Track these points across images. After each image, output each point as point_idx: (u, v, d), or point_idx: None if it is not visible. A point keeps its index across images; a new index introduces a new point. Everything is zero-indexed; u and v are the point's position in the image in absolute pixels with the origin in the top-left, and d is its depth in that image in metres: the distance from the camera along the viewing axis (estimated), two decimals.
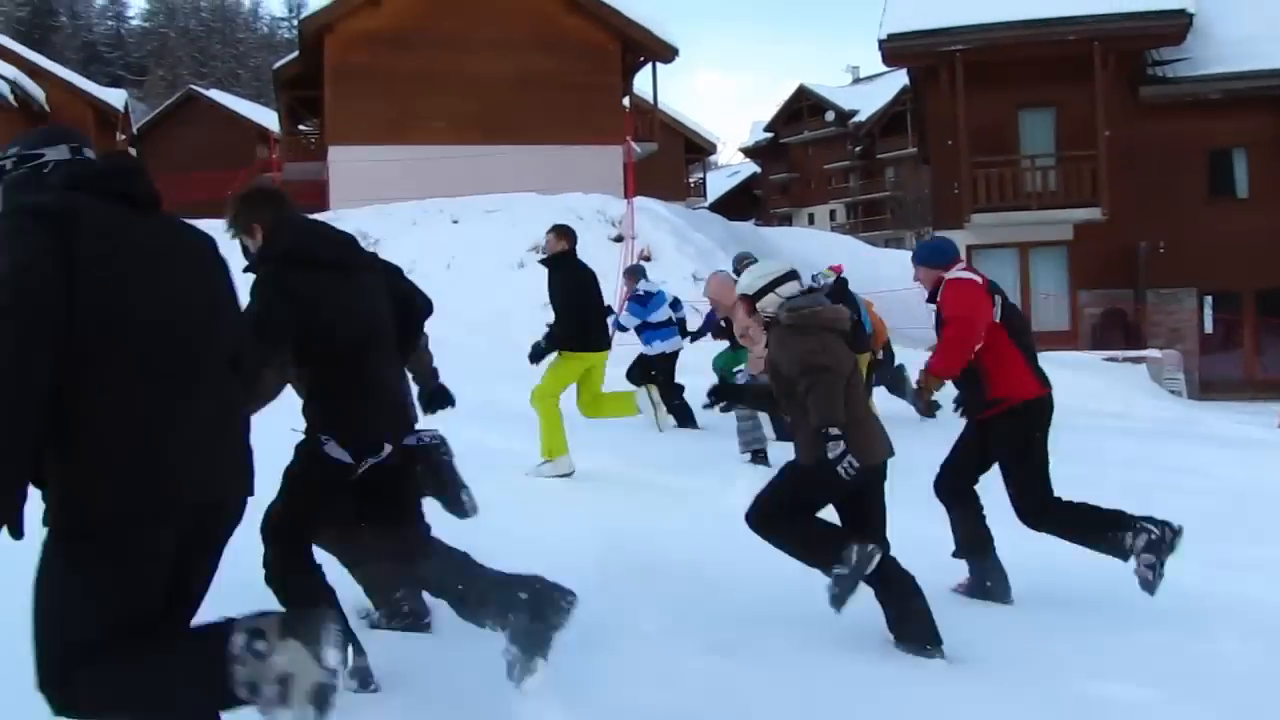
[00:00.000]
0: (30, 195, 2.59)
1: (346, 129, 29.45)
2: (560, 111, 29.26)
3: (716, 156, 65.94)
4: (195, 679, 2.49)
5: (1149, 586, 4.84)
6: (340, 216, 22.94)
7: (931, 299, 5.49)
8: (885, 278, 20.78)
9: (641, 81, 34.98)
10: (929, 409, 5.50)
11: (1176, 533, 4.87)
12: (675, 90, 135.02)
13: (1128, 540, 4.89)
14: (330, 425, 3.68)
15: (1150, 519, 4.92)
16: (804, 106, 75.60)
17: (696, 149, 52.54)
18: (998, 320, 5.22)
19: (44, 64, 56.45)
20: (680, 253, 20.45)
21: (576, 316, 7.90)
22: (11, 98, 47.47)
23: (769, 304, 4.77)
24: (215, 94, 63.66)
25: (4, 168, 2.78)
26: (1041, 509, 5.15)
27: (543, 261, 8.38)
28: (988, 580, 5.25)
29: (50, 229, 2.40)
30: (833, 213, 74.23)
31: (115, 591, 2.47)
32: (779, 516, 4.57)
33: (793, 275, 4.84)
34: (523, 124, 28.94)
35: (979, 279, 5.35)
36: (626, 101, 33.12)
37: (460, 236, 21.23)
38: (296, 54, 34.65)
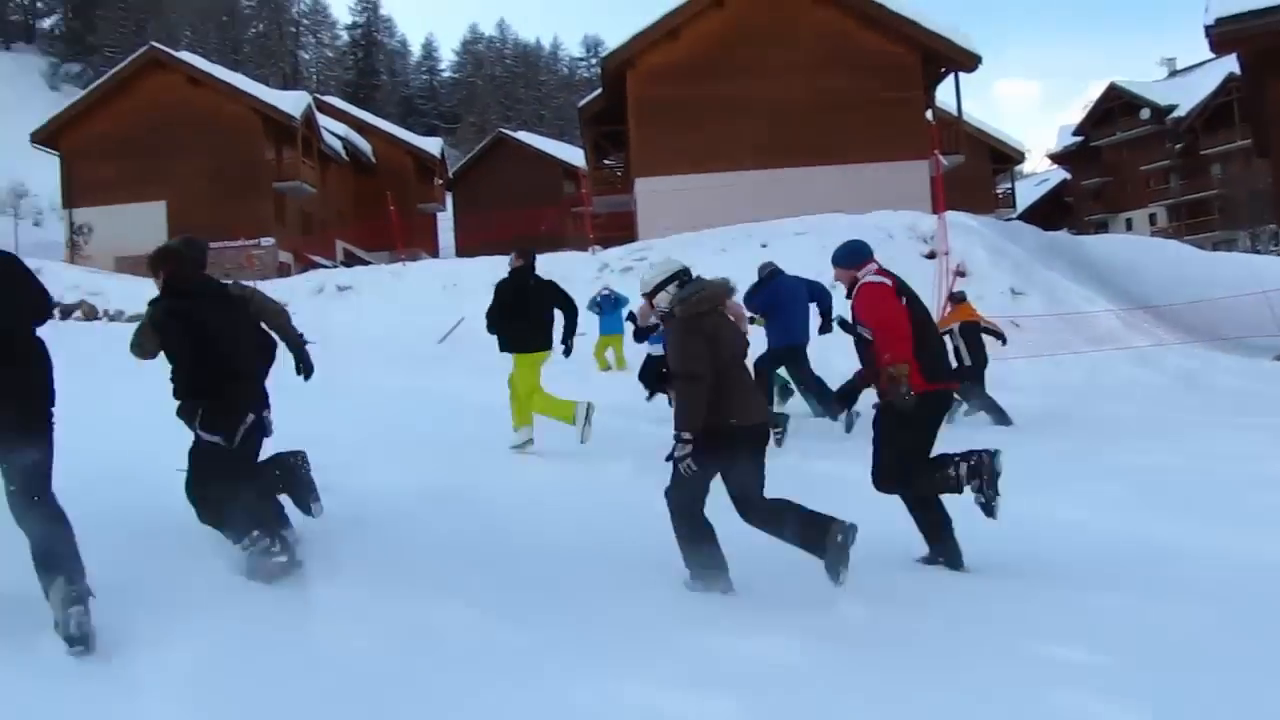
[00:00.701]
0: None
1: (651, 160, 30.67)
2: (862, 129, 29.44)
3: (1023, 165, 63.67)
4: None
5: (987, 509, 5.60)
6: (649, 246, 23.97)
7: (848, 296, 6.10)
8: (1223, 281, 19.69)
9: (942, 92, 34.64)
10: (907, 395, 5.59)
11: (994, 455, 5.58)
12: (976, 99, 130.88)
13: (952, 472, 5.63)
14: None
15: (970, 451, 5.64)
16: (1115, 106, 71.69)
17: (1003, 158, 51.19)
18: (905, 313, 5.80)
19: (369, 119, 62.00)
20: (995, 266, 20.12)
21: (518, 324, 9.34)
22: (343, 152, 52.48)
23: (661, 300, 5.45)
24: (523, 135, 67.40)
25: None
26: (886, 481, 5.82)
27: (509, 273, 9.64)
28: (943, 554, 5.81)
29: None
30: (1152, 216, 69.77)
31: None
32: (681, 499, 5.28)
33: (683, 274, 5.48)
34: (824, 144, 29.29)
35: (889, 281, 5.92)
36: (929, 114, 32.80)
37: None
38: (599, 91, 36.43)
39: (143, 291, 20.04)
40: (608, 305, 15.89)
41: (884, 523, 5.66)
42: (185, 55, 46.72)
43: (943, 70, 32.56)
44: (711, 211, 26.44)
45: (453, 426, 10.74)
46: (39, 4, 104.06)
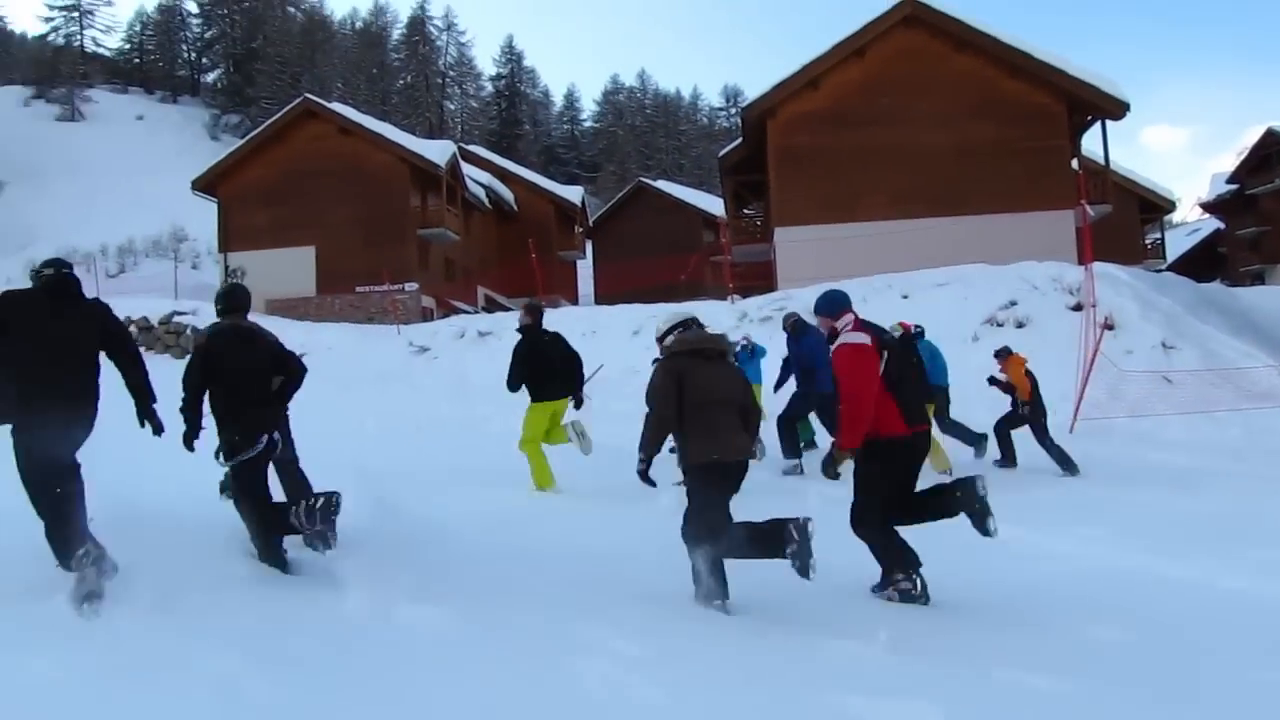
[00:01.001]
0: None
1: (791, 210, 30.78)
2: (1006, 179, 29.14)
3: (1173, 214, 61.65)
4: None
5: (983, 530, 6.04)
6: (788, 296, 23.99)
7: (830, 341, 6.65)
8: None
9: (1088, 140, 33.97)
10: (833, 475, 6.32)
11: (926, 592, 6.02)
12: (1124, 146, 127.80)
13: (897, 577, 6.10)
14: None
15: (923, 582, 6.08)
16: (1273, 152, 68.76)
17: (1152, 208, 49.72)
18: (884, 372, 6.19)
19: (512, 168, 63.40)
20: (1145, 319, 19.58)
21: (536, 376, 10.46)
22: (486, 200, 53.78)
23: (668, 343, 6.38)
24: (662, 184, 68.08)
25: None
26: (861, 522, 6.26)
27: (517, 330, 10.85)
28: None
29: None
30: None
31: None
32: (691, 524, 5.94)
33: (689, 323, 6.44)
34: (967, 194, 29.04)
35: (868, 340, 6.27)
36: (1075, 163, 32.24)
37: (911, 311, 21.41)
38: (739, 141, 36.74)
39: (291, 334, 20.98)
40: (745, 355, 16.05)
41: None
42: (337, 106, 48.54)
43: (1089, 118, 31.96)
44: (851, 261, 26.39)
45: (585, 471, 10.97)
46: (204, 60, 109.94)
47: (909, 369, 6.54)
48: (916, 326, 12.70)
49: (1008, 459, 12.60)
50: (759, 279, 32.35)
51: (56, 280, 5.95)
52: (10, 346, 5.54)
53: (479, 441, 13.83)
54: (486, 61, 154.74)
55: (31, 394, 5.48)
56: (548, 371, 10.52)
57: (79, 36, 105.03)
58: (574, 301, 55.75)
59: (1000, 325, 19.99)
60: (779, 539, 5.61)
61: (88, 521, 5.51)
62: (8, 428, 5.53)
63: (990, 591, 6.55)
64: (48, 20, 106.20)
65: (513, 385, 10.51)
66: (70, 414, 5.64)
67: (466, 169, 50.42)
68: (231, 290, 7.33)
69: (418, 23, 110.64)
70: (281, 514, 6.35)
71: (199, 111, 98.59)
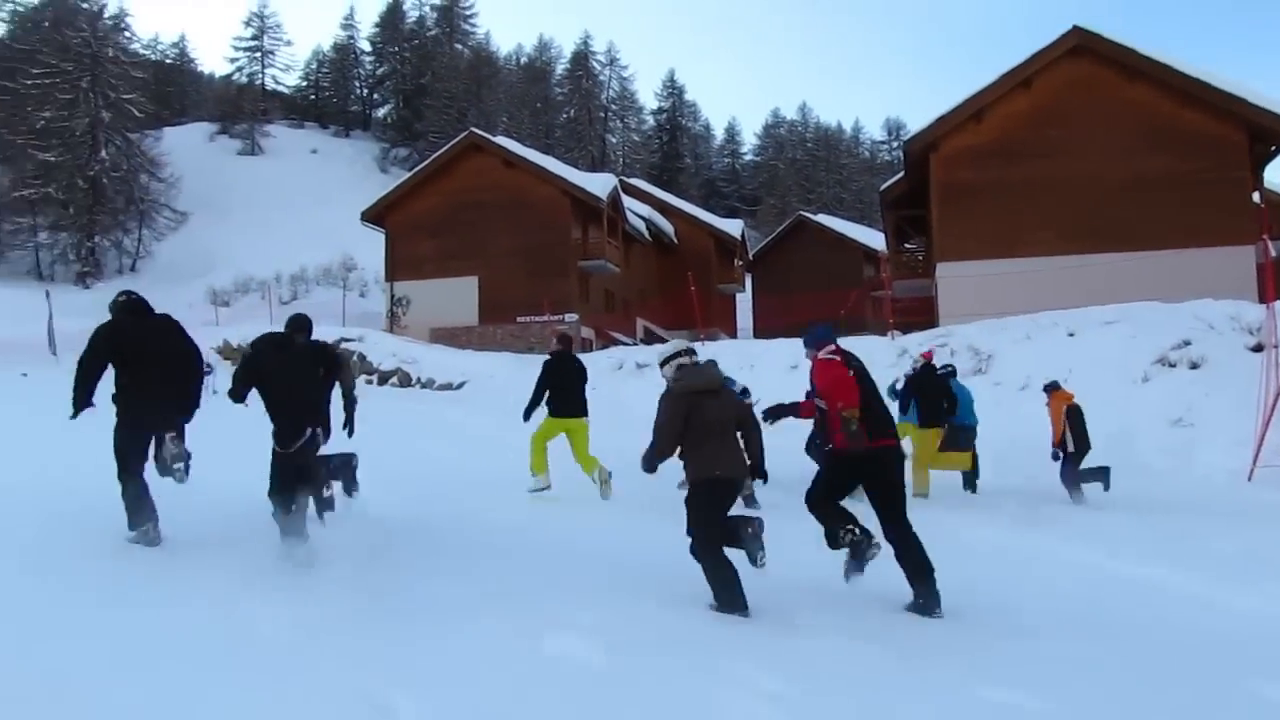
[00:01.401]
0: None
1: (953, 245, 30.50)
2: (1179, 212, 28.33)
3: None
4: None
5: (846, 575, 7.09)
6: (950, 332, 23.83)
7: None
8: None
9: (1272, 172, 32.70)
10: (854, 439, 6.97)
11: (870, 537, 6.98)
12: None
13: (842, 533, 7.04)
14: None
15: (862, 528, 7.04)
16: None
17: None
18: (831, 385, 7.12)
19: (672, 201, 64.22)
20: None
21: (554, 395, 11.94)
22: (647, 233, 54.65)
23: (666, 372, 7.28)
24: (823, 218, 68.01)
25: None
26: (811, 503, 7.27)
27: (548, 354, 12.45)
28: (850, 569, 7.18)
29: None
30: None
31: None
32: (695, 526, 6.80)
33: (685, 353, 7.31)
34: (1138, 229, 28.33)
35: (838, 358, 7.35)
36: (1256, 195, 31.00)
37: (1077, 350, 21.01)
38: (901, 175, 36.59)
39: (453, 362, 21.86)
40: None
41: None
42: (501, 140, 50.07)
43: (1273, 148, 30.80)
44: (1015, 298, 26.06)
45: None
46: (375, 96, 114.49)
47: (872, 392, 7.36)
48: (946, 366, 14.87)
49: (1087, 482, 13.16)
50: (920, 315, 32.09)
51: (138, 301, 8.20)
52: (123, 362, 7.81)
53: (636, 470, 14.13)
54: (648, 95, 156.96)
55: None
56: (564, 392, 11.98)
57: (260, 75, 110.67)
58: (732, 335, 56.06)
59: (1173, 366, 19.44)
60: (737, 535, 6.69)
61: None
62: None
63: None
64: (232, 61, 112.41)
65: (535, 399, 12.09)
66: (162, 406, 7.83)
67: (627, 202, 51.41)
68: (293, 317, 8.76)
69: (581, 57, 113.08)
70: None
71: (370, 145, 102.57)
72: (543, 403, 12.08)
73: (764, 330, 54.93)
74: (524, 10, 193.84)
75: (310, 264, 64.18)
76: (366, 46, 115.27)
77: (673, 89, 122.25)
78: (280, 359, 8.03)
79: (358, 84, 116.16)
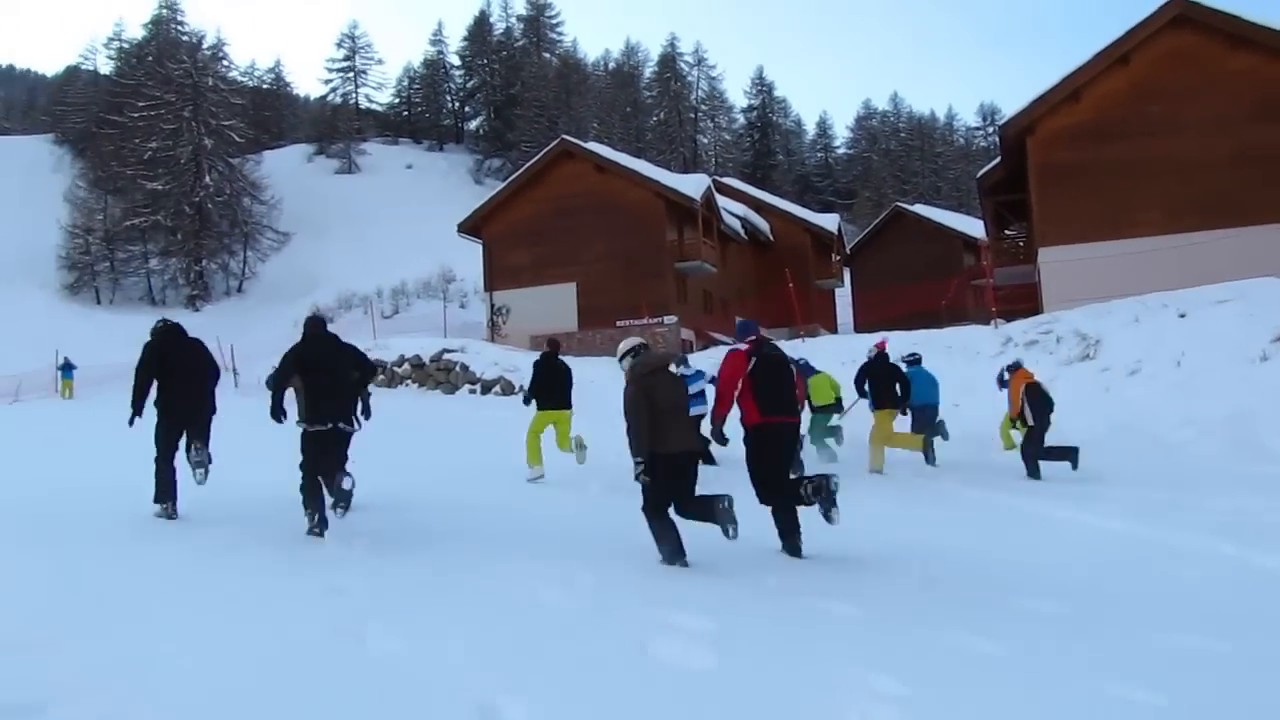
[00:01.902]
0: None
1: (1055, 229, 29.99)
2: None
3: None
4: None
5: (826, 517, 7.95)
6: (1055, 319, 23.45)
7: None
8: None
9: None
10: (719, 439, 8.50)
11: (830, 478, 7.93)
12: None
13: (805, 491, 8.00)
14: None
15: (816, 474, 8.14)
16: None
17: None
18: (748, 374, 8.28)
19: (766, 198, 64.11)
20: None
21: (541, 390, 13.87)
22: (742, 231, 54.65)
23: (624, 364, 8.42)
24: (920, 208, 67.24)
25: None
26: (764, 494, 8.26)
27: (543, 356, 14.24)
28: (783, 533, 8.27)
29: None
30: None
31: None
32: (646, 503, 7.85)
33: (639, 348, 8.54)
34: (1247, 204, 27.51)
35: (744, 348, 8.44)
36: None
37: (1189, 331, 20.51)
38: (998, 160, 36.07)
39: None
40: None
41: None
42: (593, 145, 50.46)
43: None
44: (1121, 280, 25.57)
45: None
46: (467, 109, 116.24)
47: (775, 375, 8.45)
48: (911, 354, 16.71)
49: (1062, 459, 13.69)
50: (1023, 302, 31.63)
51: (175, 326, 10.16)
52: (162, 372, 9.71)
53: (735, 474, 14.28)
54: (737, 94, 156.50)
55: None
56: (550, 389, 13.91)
57: (354, 95, 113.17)
58: (833, 330, 55.81)
59: None
60: (712, 510, 7.67)
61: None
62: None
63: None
64: (326, 82, 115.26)
65: (527, 396, 14.13)
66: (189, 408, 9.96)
67: (721, 201, 51.42)
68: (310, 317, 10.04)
69: (669, 60, 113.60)
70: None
71: (463, 157, 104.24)
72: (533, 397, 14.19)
73: (865, 324, 54.60)
74: (610, 16, 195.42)
75: (410, 277, 65.47)
76: (456, 61, 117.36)
77: (762, 86, 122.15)
78: (320, 353, 9.28)
79: (449, 98, 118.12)
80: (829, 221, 63.01)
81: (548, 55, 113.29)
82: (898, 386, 15.01)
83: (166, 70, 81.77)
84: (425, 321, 51.50)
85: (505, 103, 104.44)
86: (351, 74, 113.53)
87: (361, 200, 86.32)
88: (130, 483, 10.82)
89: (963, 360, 22.95)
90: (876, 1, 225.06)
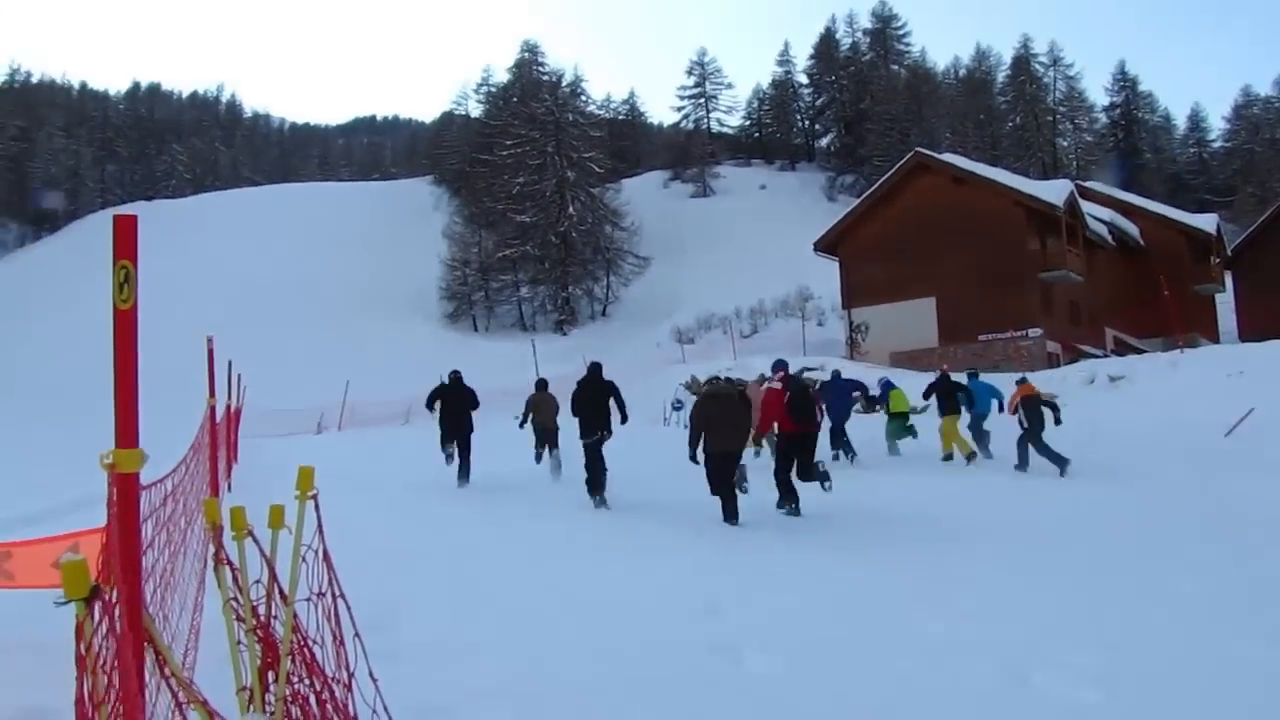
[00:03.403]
0: None
1: None
2: None
3: None
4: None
5: (825, 487, 12.58)
6: None
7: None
8: None
9: None
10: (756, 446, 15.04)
11: (824, 466, 12.86)
12: None
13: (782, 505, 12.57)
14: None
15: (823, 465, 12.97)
16: None
17: None
18: (785, 402, 12.82)
19: (1135, 201, 60.68)
20: None
21: (588, 409, 14.55)
22: (1109, 237, 51.95)
23: (695, 393, 17.63)
24: None
25: None
26: (775, 472, 12.70)
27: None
28: (794, 503, 12.46)
29: None
30: None
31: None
32: (709, 478, 11.95)
33: (709, 382, 13.53)
34: None
35: (780, 385, 13.22)
36: None
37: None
38: None
39: (916, 385, 22.46)
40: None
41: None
42: (947, 156, 49.63)
43: None
44: None
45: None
46: (817, 126, 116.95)
47: (804, 399, 13.01)
48: (972, 369, 22.00)
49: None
50: None
51: (455, 373, 17.20)
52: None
53: (1121, 493, 13.73)
54: (1098, 92, 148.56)
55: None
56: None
57: (706, 120, 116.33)
58: (1214, 339, 51.94)
59: None
60: (740, 478, 12.59)
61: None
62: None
63: None
64: (679, 110, 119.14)
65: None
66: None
67: (1086, 206, 49.23)
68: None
69: (1022, 62, 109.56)
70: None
71: (815, 176, 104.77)
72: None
73: (1252, 333, 50.42)
74: (958, 22, 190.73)
75: (767, 297, 66.40)
76: (804, 79, 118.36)
77: (1124, 81, 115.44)
78: (587, 388, 14.55)
79: (798, 116, 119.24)
80: (1206, 222, 58.72)
81: (896, 67, 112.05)
82: (957, 397, 19.09)
83: (530, 109, 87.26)
84: (783, 340, 52.19)
85: (855, 118, 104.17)
86: (702, 99, 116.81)
87: (717, 222, 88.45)
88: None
89: None
90: None
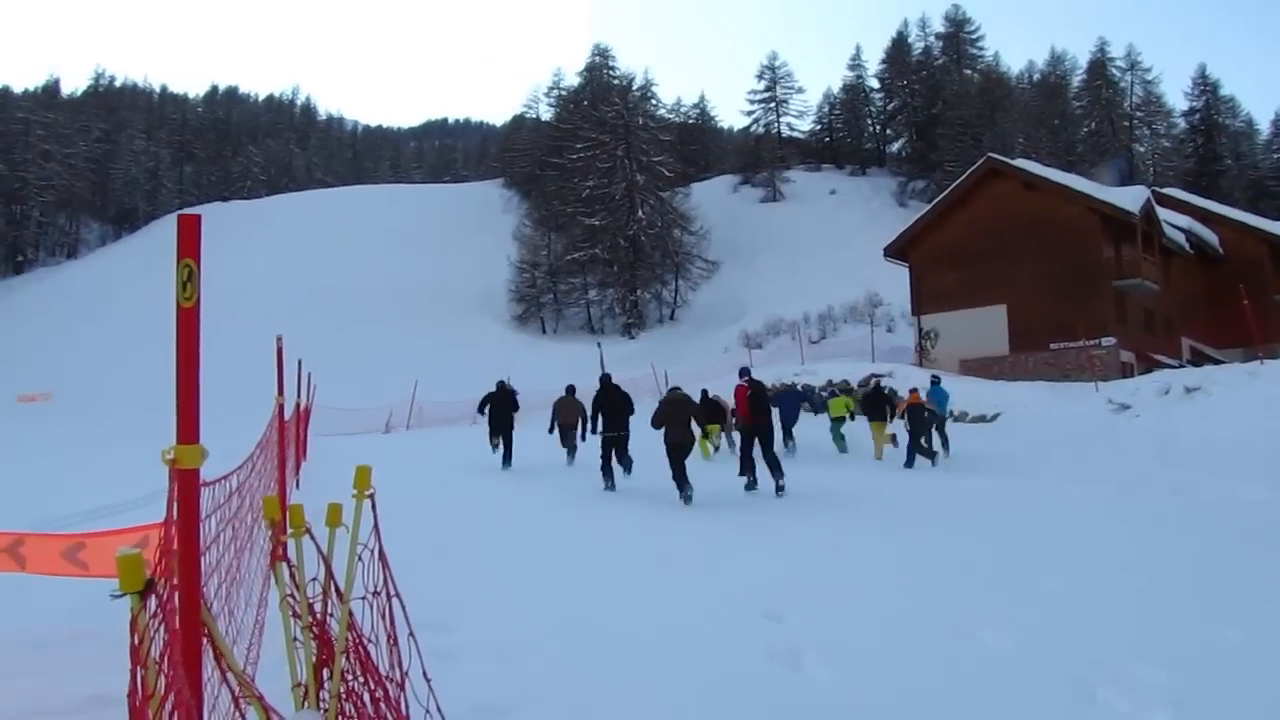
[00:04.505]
0: None
1: None
2: None
3: None
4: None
5: (746, 489, 15.96)
6: None
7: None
8: None
9: None
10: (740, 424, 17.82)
11: (753, 480, 16.22)
12: None
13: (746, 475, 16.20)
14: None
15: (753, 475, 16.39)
16: None
17: None
18: (747, 397, 16.29)
19: (1214, 208, 59.33)
20: None
21: (604, 414, 17.49)
22: (1187, 245, 50.86)
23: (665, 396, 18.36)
24: None
25: None
26: (763, 455, 15.78)
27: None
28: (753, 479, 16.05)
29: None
30: None
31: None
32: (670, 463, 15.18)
33: (675, 389, 16.77)
34: None
35: (744, 383, 16.50)
36: None
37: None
38: None
39: (985, 394, 22.61)
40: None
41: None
42: (1020, 162, 48.83)
43: None
44: None
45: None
46: (888, 131, 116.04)
47: (760, 397, 16.09)
48: (935, 376, 25.13)
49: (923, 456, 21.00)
50: None
51: (503, 383, 22.13)
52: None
53: (1191, 509, 13.43)
54: (1177, 97, 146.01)
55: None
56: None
57: (776, 124, 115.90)
58: None
59: None
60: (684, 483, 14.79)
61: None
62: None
63: None
64: (749, 114, 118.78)
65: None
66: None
67: (1162, 213, 48.18)
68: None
69: (1098, 66, 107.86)
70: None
71: (886, 181, 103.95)
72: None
73: None
74: (1033, 25, 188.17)
75: (836, 302, 65.98)
76: (875, 84, 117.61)
77: (1205, 86, 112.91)
78: (607, 394, 17.65)
79: (869, 121, 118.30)
80: None
81: (969, 71, 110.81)
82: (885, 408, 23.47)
83: (600, 113, 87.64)
84: (852, 346, 51.80)
85: (927, 123, 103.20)
86: (773, 104, 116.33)
87: (786, 227, 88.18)
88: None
89: None
90: None
